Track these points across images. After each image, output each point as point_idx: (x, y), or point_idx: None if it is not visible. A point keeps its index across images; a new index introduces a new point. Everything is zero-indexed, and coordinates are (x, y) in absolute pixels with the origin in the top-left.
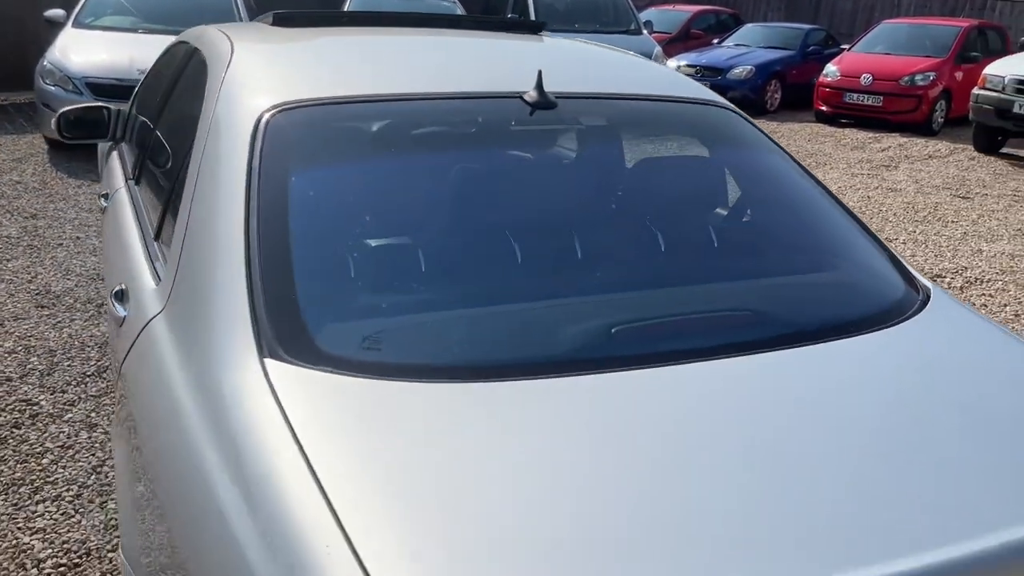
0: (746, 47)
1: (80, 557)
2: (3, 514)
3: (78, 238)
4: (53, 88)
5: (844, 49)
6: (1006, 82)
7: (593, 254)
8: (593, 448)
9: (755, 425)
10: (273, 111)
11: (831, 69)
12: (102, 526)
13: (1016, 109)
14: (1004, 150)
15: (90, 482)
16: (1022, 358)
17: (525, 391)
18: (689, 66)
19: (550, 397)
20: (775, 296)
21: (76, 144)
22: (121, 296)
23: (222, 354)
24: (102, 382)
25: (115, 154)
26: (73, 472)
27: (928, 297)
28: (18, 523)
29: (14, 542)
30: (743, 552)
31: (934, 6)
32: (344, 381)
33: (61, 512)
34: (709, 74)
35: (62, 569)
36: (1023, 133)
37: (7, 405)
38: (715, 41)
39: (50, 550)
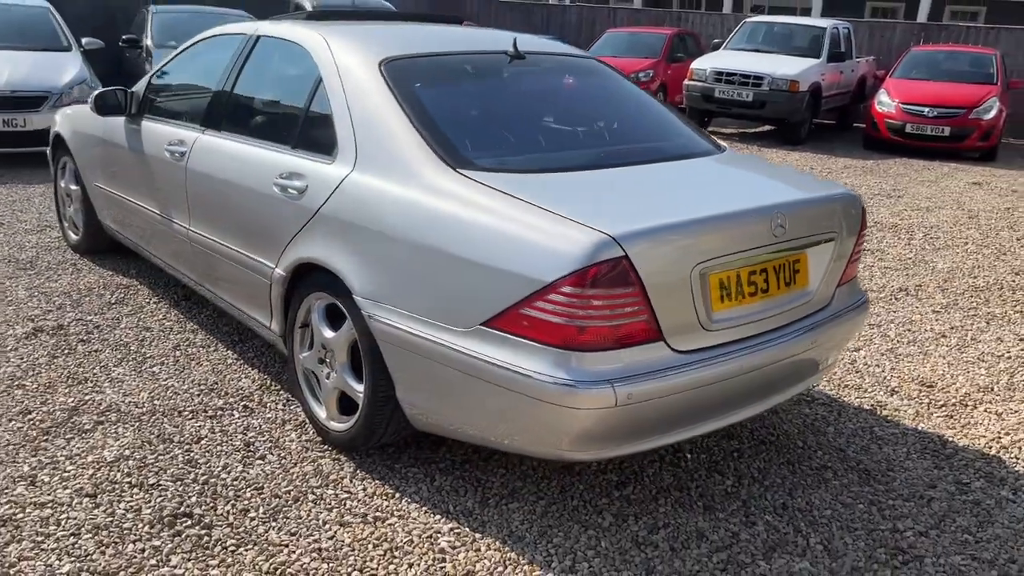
0: None
1: (213, 385)
2: (132, 373)
3: (2, 224)
4: None
5: None
6: (708, 73)
7: (565, 121)
8: (616, 180)
9: (664, 177)
10: (384, 61)
11: None
12: (211, 371)
13: (717, 94)
14: (711, 128)
15: (178, 354)
16: (765, 164)
17: (578, 176)
18: None
19: (592, 177)
20: (665, 143)
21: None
22: (290, 176)
23: (429, 173)
24: (128, 307)
25: (147, 122)
26: (160, 351)
27: (725, 148)
28: (145, 377)
29: (154, 384)
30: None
31: (642, 18)
32: (486, 174)
33: (173, 369)
34: None
35: (204, 388)
36: (724, 113)
37: (69, 322)
38: None
39: (186, 385)
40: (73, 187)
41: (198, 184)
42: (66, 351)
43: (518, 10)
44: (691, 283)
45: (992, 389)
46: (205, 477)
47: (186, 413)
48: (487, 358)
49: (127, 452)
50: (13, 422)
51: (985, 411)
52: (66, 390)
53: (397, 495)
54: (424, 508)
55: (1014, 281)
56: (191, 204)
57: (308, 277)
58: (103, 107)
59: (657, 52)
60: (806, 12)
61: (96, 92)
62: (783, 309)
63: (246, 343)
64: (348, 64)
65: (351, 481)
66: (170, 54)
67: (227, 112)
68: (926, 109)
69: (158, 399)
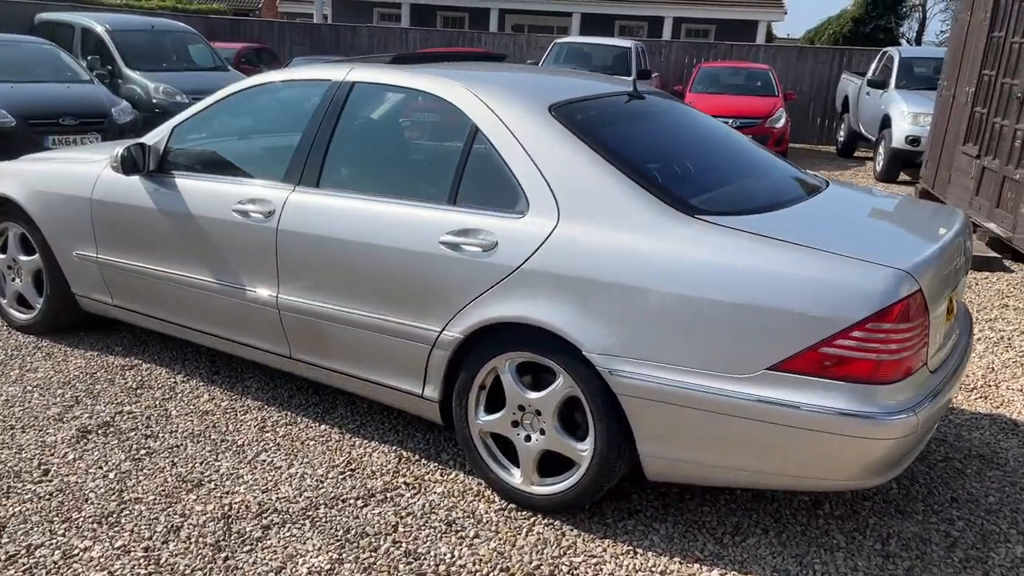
0: None
1: (348, 467)
2: (243, 465)
3: None
4: None
5: None
6: None
7: (716, 158)
8: (821, 214)
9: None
10: (552, 108)
11: None
12: (327, 451)
13: None
14: None
15: (272, 436)
16: (871, 192)
17: (791, 213)
18: None
19: (801, 212)
20: (790, 175)
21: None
22: (464, 233)
23: (669, 222)
24: (157, 390)
25: (185, 180)
26: (248, 436)
27: (829, 183)
28: (264, 468)
29: (282, 474)
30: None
31: (435, 39)
32: (725, 218)
33: (284, 455)
34: None
35: (343, 472)
36: None
37: (111, 418)
38: None
39: (319, 471)
40: (23, 258)
41: (300, 247)
42: (142, 451)
43: (301, 31)
44: (944, 307)
45: (993, 369)
46: (444, 566)
47: (352, 501)
48: (779, 401)
49: (334, 554)
50: (172, 543)
51: (1008, 388)
52: (191, 496)
53: (639, 551)
54: (675, 558)
55: None
56: (284, 269)
57: (492, 337)
58: (129, 164)
59: None
60: (563, 31)
61: (122, 149)
62: (954, 325)
63: (331, 414)
64: (513, 113)
65: (585, 545)
66: None
67: (331, 167)
68: (730, 120)
69: (306, 490)
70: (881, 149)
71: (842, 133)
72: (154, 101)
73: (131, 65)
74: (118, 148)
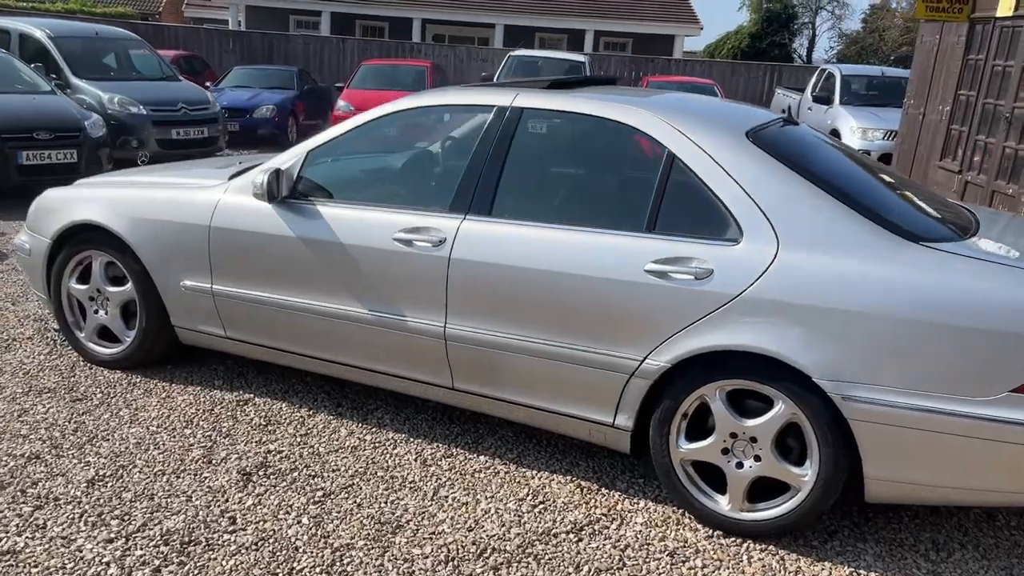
0: (249, 88)
1: (536, 499)
2: (428, 504)
3: None
4: None
5: (339, 87)
6: None
7: (872, 183)
8: (994, 239)
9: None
10: (748, 134)
11: (343, 104)
12: (503, 483)
13: None
14: None
15: (441, 470)
16: (1014, 215)
17: (975, 241)
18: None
19: (979, 241)
20: (954, 208)
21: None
22: (673, 262)
23: (900, 249)
24: (288, 427)
25: (329, 208)
26: (412, 473)
27: (979, 219)
28: (452, 505)
29: (475, 512)
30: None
31: (374, 49)
32: (943, 244)
33: (460, 490)
34: (236, 115)
35: (535, 506)
36: None
37: (265, 458)
38: (208, 84)
39: (510, 505)
40: (111, 289)
41: (475, 276)
42: (318, 492)
43: (231, 38)
44: None
45: None
46: None
47: (563, 536)
48: (1022, 421)
49: None
50: None
51: None
52: (399, 539)
53: (860, 571)
54: None
55: None
56: (454, 299)
57: (702, 365)
58: (267, 188)
59: (423, 84)
60: (484, 42)
61: (265, 176)
62: None
63: (482, 444)
64: (713, 140)
65: (810, 568)
66: None
67: (504, 195)
68: None
69: (511, 526)
70: None
71: None
72: (109, 112)
73: (78, 74)
74: (261, 176)
